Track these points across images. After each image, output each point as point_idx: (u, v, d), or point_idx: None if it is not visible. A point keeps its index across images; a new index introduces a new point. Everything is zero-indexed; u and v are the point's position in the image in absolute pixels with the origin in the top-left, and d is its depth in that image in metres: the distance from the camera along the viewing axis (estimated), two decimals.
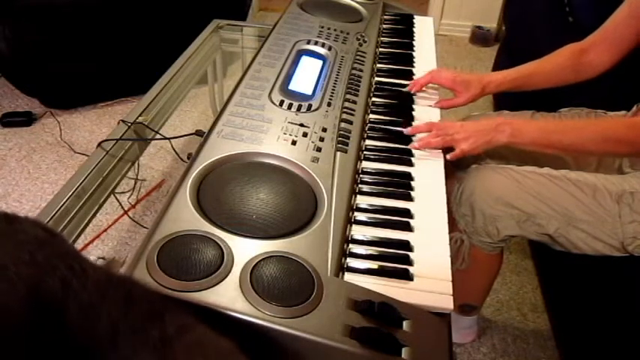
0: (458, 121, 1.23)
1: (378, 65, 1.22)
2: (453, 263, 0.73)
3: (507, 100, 1.14)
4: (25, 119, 2.12)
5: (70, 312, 0.41)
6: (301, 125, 0.89)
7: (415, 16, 1.48)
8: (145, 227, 1.66)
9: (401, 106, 1.08)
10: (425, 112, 1.07)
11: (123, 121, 1.14)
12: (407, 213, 0.80)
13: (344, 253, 0.71)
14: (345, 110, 0.96)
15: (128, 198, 1.74)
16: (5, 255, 0.42)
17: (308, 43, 1.16)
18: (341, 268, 0.68)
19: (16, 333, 0.38)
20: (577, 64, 1.09)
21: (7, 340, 0.37)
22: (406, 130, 0.98)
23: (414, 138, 0.97)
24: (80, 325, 0.41)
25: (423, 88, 1.13)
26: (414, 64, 1.24)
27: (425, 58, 1.27)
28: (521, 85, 1.12)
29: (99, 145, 1.06)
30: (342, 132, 0.90)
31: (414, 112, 1.06)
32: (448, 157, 0.92)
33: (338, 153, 0.85)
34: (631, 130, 0.91)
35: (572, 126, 0.99)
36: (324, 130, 0.89)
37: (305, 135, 0.87)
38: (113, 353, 0.40)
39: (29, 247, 0.44)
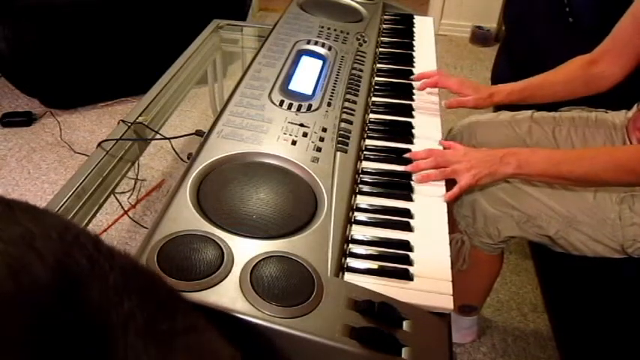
0: (457, 121, 1.23)
1: (378, 65, 1.22)
2: (453, 264, 0.72)
3: None
4: (25, 119, 2.12)
5: (93, 290, 0.41)
6: (301, 125, 0.89)
7: (415, 16, 1.48)
8: (145, 227, 1.66)
9: (401, 106, 1.08)
10: (424, 112, 1.07)
11: (123, 121, 1.14)
12: (407, 213, 0.80)
13: (344, 253, 0.71)
14: (345, 110, 0.96)
15: (128, 198, 1.74)
16: (36, 230, 0.42)
17: (308, 43, 1.16)
18: (341, 268, 0.68)
19: (42, 306, 0.38)
20: (587, 76, 1.06)
21: (34, 313, 0.37)
22: (407, 156, 0.92)
23: (410, 169, 0.90)
24: (100, 305, 0.41)
25: (427, 89, 1.13)
26: (414, 64, 1.24)
27: (425, 58, 1.27)
28: (530, 96, 1.09)
29: (99, 145, 1.06)
30: (342, 132, 0.90)
31: (413, 112, 1.06)
32: (445, 197, 0.85)
33: (338, 153, 0.85)
34: None
35: (583, 155, 0.93)
36: (324, 130, 0.89)
37: (305, 135, 0.87)
38: (123, 338, 0.41)
39: (57, 229, 0.44)
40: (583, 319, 1.14)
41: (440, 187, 0.87)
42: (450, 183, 0.89)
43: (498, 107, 1.28)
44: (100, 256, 0.44)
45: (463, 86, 1.08)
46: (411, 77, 1.15)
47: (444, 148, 0.97)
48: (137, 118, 1.17)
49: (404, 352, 0.58)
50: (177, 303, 0.49)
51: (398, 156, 0.93)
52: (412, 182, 0.87)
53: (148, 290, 0.46)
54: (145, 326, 0.42)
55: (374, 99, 1.09)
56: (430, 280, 0.69)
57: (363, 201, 0.82)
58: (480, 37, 2.92)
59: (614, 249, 0.96)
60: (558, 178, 0.91)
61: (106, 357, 0.39)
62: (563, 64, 1.10)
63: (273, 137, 0.85)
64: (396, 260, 0.71)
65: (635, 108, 1.10)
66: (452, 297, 0.67)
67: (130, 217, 1.68)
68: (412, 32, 1.39)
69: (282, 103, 0.94)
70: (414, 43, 1.34)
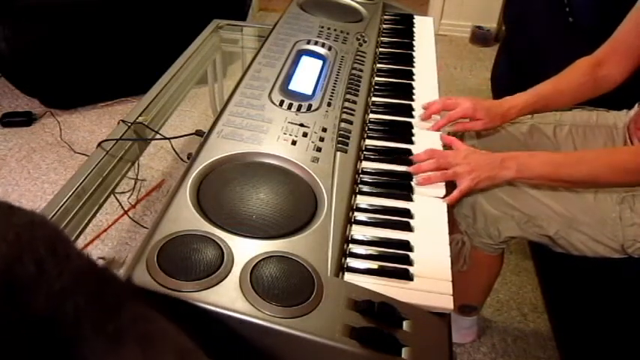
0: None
1: (378, 65, 1.21)
2: (453, 265, 0.72)
3: None
4: (25, 119, 2.12)
5: (39, 296, 0.41)
6: (301, 125, 0.89)
7: (415, 16, 1.48)
8: (145, 227, 1.66)
9: (401, 106, 1.08)
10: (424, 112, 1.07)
11: (123, 121, 1.14)
12: (407, 213, 0.80)
13: (344, 253, 0.71)
14: (345, 110, 0.96)
15: (128, 198, 1.74)
16: None
17: (308, 43, 1.16)
18: (341, 268, 0.68)
19: None
20: (594, 80, 1.05)
21: None
22: (411, 169, 0.90)
23: (412, 171, 0.89)
24: (47, 312, 0.41)
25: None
26: (414, 64, 1.24)
27: (425, 58, 1.27)
28: (542, 107, 1.07)
29: (99, 145, 1.06)
30: (342, 132, 0.90)
31: (413, 112, 1.06)
32: (446, 200, 0.85)
33: (338, 153, 0.85)
34: None
35: (582, 158, 0.92)
36: (324, 130, 0.89)
37: (305, 135, 0.87)
38: (74, 345, 0.41)
39: (18, 229, 0.44)
40: (583, 319, 1.14)
41: (440, 188, 0.87)
42: (450, 183, 0.89)
43: None
44: (52, 261, 0.44)
45: (475, 111, 1.01)
46: (419, 115, 1.05)
47: (444, 147, 0.97)
48: (137, 118, 1.17)
49: (404, 352, 0.58)
50: (126, 297, 0.49)
51: (398, 156, 0.93)
52: (412, 182, 0.87)
53: (96, 291, 0.46)
54: (93, 329, 0.42)
55: (374, 99, 1.09)
56: (430, 280, 0.69)
57: (363, 201, 0.82)
58: (479, 37, 2.92)
59: (615, 249, 0.96)
60: (558, 181, 0.92)
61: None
62: (567, 68, 1.08)
63: (273, 137, 0.85)
64: (396, 260, 0.71)
65: (636, 107, 1.10)
66: (452, 297, 0.67)
67: (130, 217, 1.68)
68: (412, 32, 1.39)
69: (282, 103, 0.94)
70: (414, 43, 1.34)
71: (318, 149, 0.84)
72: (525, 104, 1.04)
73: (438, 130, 1.01)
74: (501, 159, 0.90)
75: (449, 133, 1.13)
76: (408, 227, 0.77)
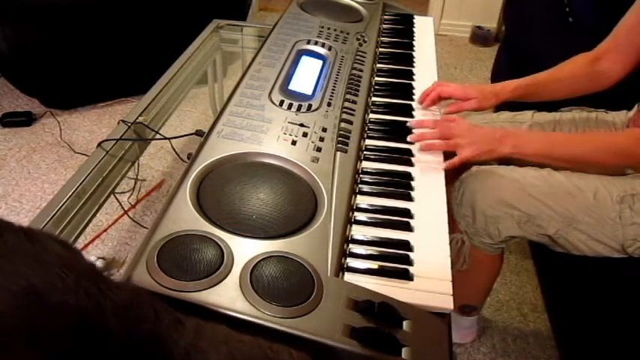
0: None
1: (378, 65, 1.22)
2: (453, 264, 0.72)
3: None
4: (25, 119, 2.12)
5: (114, 333, 0.43)
6: (301, 125, 0.89)
7: (415, 16, 1.48)
8: (145, 227, 1.66)
9: (401, 106, 1.08)
10: (424, 112, 1.07)
11: (123, 121, 1.14)
12: (407, 213, 0.80)
13: (344, 253, 0.71)
14: (345, 110, 0.96)
15: (128, 198, 1.74)
16: (39, 280, 0.43)
17: (308, 43, 1.16)
18: (341, 268, 0.68)
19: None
20: (591, 73, 1.06)
21: None
22: (409, 123, 0.95)
23: (415, 139, 0.94)
24: (125, 342, 0.43)
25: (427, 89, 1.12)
26: (414, 64, 1.24)
27: (425, 58, 1.27)
28: (535, 92, 1.08)
29: (99, 145, 1.06)
30: (342, 132, 0.90)
31: (413, 112, 1.06)
32: (445, 165, 0.88)
33: (338, 153, 0.85)
34: None
35: (579, 138, 0.95)
36: (324, 130, 0.89)
37: (305, 135, 0.87)
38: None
39: (57, 270, 0.45)
40: (583, 319, 1.14)
41: (440, 188, 0.87)
42: (450, 185, 0.89)
43: (499, 107, 1.28)
44: (101, 296, 0.46)
45: (466, 90, 1.06)
46: (415, 99, 1.10)
47: None
48: (137, 118, 1.17)
49: (404, 352, 0.58)
50: (178, 314, 0.51)
51: (398, 156, 0.93)
52: (412, 182, 0.87)
53: (155, 314, 0.49)
54: (173, 343, 0.45)
55: (374, 99, 1.09)
56: (430, 280, 0.69)
57: (363, 201, 0.82)
58: (480, 37, 2.92)
59: (614, 248, 0.96)
60: (553, 159, 0.95)
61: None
62: (565, 61, 1.09)
63: (273, 137, 0.85)
64: (396, 260, 0.71)
65: (635, 108, 1.10)
66: (452, 297, 0.67)
67: (130, 217, 1.68)
68: (412, 32, 1.39)
69: (282, 103, 0.94)
70: (414, 43, 1.34)
71: (318, 149, 0.84)
72: (519, 85, 1.08)
73: (429, 105, 1.06)
74: (500, 135, 0.94)
75: None
76: (408, 227, 0.77)
